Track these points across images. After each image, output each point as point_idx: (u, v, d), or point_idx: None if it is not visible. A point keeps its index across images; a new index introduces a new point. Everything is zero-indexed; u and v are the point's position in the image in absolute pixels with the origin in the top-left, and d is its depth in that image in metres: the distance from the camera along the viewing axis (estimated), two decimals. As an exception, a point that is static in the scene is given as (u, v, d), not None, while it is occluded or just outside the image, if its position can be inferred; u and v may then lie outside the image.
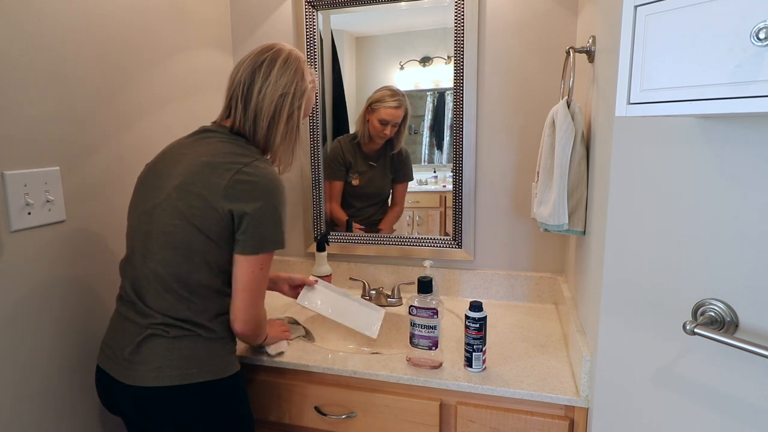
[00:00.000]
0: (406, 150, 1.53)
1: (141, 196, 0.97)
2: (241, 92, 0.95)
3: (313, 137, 1.55)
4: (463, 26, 1.37)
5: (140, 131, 1.24)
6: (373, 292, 1.47)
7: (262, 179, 0.90)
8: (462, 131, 1.42)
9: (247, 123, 0.96)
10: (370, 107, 1.50)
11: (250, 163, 0.91)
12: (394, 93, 1.48)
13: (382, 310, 1.30)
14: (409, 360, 1.09)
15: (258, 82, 0.95)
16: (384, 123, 1.49)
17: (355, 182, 1.59)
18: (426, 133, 1.49)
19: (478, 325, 1.01)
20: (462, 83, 1.39)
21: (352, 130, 1.55)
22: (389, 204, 1.58)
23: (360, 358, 1.13)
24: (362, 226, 1.60)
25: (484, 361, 1.04)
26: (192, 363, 0.91)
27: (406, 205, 1.55)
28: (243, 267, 0.91)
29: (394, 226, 1.57)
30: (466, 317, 1.02)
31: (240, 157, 0.91)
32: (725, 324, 0.69)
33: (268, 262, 0.94)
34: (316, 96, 1.50)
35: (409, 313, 1.07)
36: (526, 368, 1.06)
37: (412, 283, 1.49)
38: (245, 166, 0.90)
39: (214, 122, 1.02)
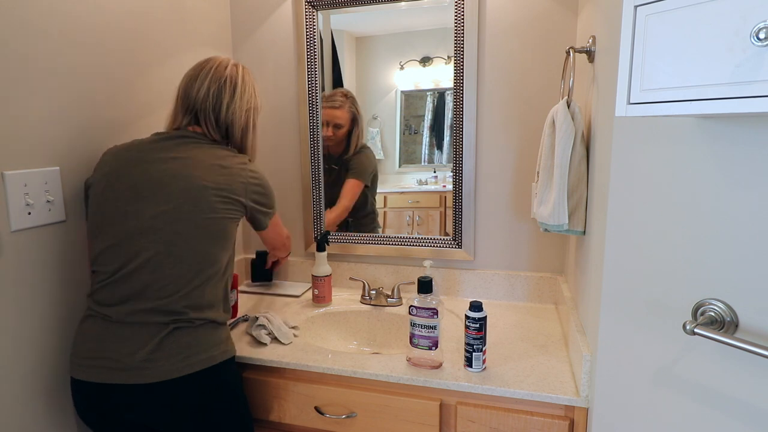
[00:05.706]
0: (370, 154, 1.52)
1: (133, 202, 0.95)
2: (212, 110, 1.08)
3: (313, 139, 1.55)
4: (463, 26, 1.37)
5: (140, 131, 1.24)
6: (373, 292, 1.47)
7: (263, 178, 1.09)
8: (462, 131, 1.42)
9: (220, 134, 1.09)
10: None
11: (248, 163, 1.07)
12: (340, 94, 1.50)
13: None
14: (409, 360, 1.09)
15: (225, 101, 1.08)
16: (325, 123, 1.51)
17: None
18: (426, 133, 1.49)
19: (478, 325, 1.01)
20: (462, 83, 1.39)
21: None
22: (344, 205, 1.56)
23: (360, 358, 1.13)
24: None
25: (484, 361, 1.04)
26: (212, 345, 0.99)
27: (406, 205, 1.54)
28: (269, 233, 1.22)
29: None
30: (466, 317, 1.02)
31: (239, 158, 1.06)
32: (725, 324, 0.69)
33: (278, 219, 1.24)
34: (316, 96, 1.52)
35: (409, 313, 1.07)
36: (526, 368, 1.06)
37: (412, 283, 1.49)
38: (247, 165, 1.06)
39: (179, 129, 1.07)
